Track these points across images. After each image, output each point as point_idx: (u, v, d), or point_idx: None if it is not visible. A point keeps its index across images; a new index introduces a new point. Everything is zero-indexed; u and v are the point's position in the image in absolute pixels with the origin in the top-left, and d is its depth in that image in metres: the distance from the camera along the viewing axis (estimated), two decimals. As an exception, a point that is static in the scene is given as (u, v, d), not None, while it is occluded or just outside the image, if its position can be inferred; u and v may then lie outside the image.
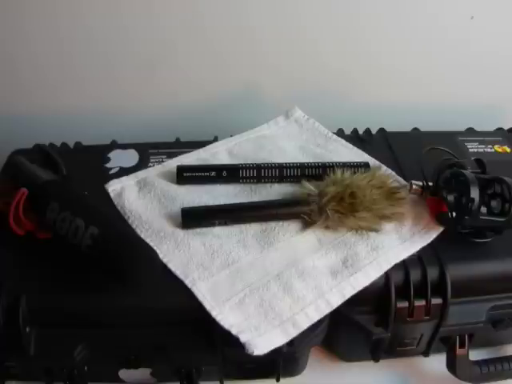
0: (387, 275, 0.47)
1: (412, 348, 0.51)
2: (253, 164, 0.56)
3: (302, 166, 0.56)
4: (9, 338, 0.44)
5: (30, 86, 0.69)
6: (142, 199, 0.54)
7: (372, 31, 0.68)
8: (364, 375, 0.53)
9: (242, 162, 0.57)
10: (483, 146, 0.64)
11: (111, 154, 0.61)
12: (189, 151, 0.60)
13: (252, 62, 0.70)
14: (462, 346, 0.49)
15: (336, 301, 0.45)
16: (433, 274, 0.47)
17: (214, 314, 0.43)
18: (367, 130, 0.66)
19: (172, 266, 0.47)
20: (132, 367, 0.47)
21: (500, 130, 0.69)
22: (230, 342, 0.42)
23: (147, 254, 0.45)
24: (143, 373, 0.49)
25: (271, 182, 0.56)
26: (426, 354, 0.53)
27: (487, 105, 0.76)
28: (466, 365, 0.50)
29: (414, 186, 0.52)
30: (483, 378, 0.50)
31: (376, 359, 0.51)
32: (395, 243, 0.49)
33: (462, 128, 0.69)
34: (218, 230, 0.50)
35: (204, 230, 0.50)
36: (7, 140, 0.60)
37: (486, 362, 0.50)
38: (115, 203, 0.54)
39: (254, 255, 0.48)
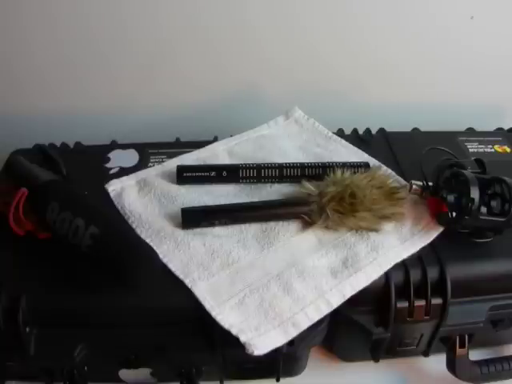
0: (387, 275, 0.47)
1: (412, 348, 0.52)
2: (253, 164, 0.56)
3: (302, 166, 0.56)
4: (9, 338, 0.44)
5: (30, 86, 0.69)
6: (142, 199, 0.54)
7: (372, 31, 0.68)
8: (364, 375, 0.53)
9: (242, 162, 0.57)
10: (483, 146, 0.64)
11: (111, 154, 0.61)
12: (189, 151, 0.60)
13: (252, 61, 0.70)
14: (462, 346, 0.49)
15: (336, 301, 0.45)
16: (433, 274, 0.47)
17: (213, 313, 0.43)
18: (367, 130, 0.65)
19: (172, 266, 0.47)
20: (132, 367, 0.47)
21: (500, 130, 0.69)
22: (230, 342, 0.42)
23: (147, 254, 0.45)
24: (143, 373, 0.49)
25: (271, 181, 0.56)
26: (426, 354, 0.53)
27: (487, 105, 0.76)
28: (466, 365, 0.50)
29: (414, 186, 0.52)
30: (483, 378, 0.50)
31: (376, 359, 0.51)
32: (395, 243, 0.49)
33: (462, 128, 0.69)
34: (218, 230, 0.50)
35: (204, 230, 0.50)
36: (7, 140, 0.60)
37: (486, 361, 0.50)
38: (115, 203, 0.54)
39: (254, 255, 0.48)
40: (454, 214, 0.48)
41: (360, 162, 0.57)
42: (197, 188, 0.56)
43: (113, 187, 0.55)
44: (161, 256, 0.47)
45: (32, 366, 0.47)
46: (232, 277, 0.46)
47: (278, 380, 0.49)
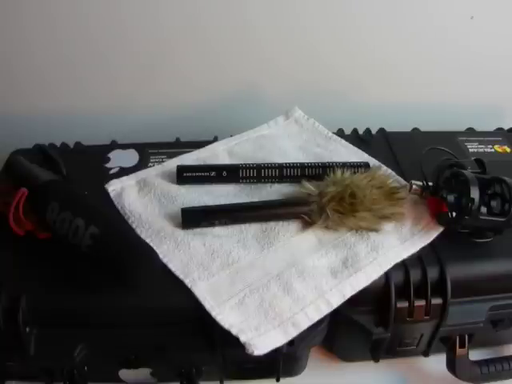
0: (387, 275, 0.47)
1: (412, 348, 0.52)
2: (253, 164, 0.56)
3: (302, 166, 0.56)
4: (9, 338, 0.44)
5: (30, 86, 0.69)
6: (142, 199, 0.54)
7: (372, 31, 0.68)
8: (364, 375, 0.53)
9: (242, 162, 0.57)
10: (483, 146, 0.64)
11: (111, 154, 0.61)
12: (189, 151, 0.60)
13: (252, 61, 0.70)
14: (462, 346, 0.49)
15: (336, 301, 0.45)
16: (433, 274, 0.47)
17: (213, 313, 0.43)
18: (367, 130, 0.65)
19: (172, 266, 0.47)
20: (132, 367, 0.47)
21: (500, 130, 0.69)
22: (230, 342, 0.42)
23: (147, 254, 0.45)
24: (143, 373, 0.49)
25: (271, 181, 0.56)
26: (426, 354, 0.53)
27: (487, 105, 0.76)
28: (466, 365, 0.50)
29: (414, 186, 0.52)
30: (483, 378, 0.50)
31: (376, 359, 0.51)
32: (395, 243, 0.49)
33: (462, 128, 0.69)
34: (218, 230, 0.50)
35: (204, 229, 0.50)
36: (7, 140, 0.60)
37: (486, 361, 0.50)
38: (115, 203, 0.54)
39: (254, 255, 0.48)
40: (454, 213, 0.48)
41: (360, 162, 0.57)
42: (197, 188, 0.56)
43: (113, 187, 0.55)
44: (161, 256, 0.47)
45: (32, 366, 0.47)
46: (232, 277, 0.46)
47: (278, 380, 0.49)
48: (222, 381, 0.51)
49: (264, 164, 0.56)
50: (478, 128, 0.68)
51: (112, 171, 0.58)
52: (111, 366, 0.48)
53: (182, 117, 0.72)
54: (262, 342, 0.41)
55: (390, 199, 0.51)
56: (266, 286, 0.45)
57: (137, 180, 0.57)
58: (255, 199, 0.54)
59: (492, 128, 0.69)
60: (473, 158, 0.54)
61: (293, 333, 0.43)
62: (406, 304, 0.47)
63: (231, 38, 0.67)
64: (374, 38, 0.69)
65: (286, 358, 0.46)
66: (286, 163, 0.57)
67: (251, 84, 0.72)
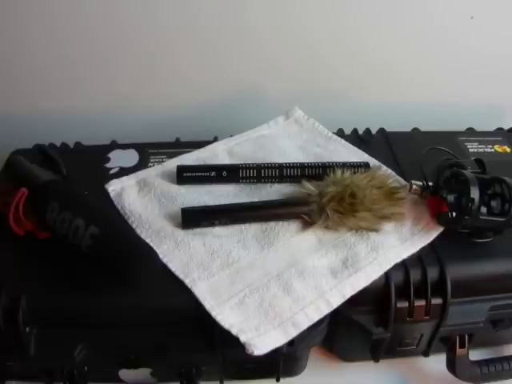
0: (387, 275, 0.47)
1: (412, 348, 0.52)
2: (253, 164, 0.56)
3: (302, 166, 0.56)
4: (9, 338, 0.44)
5: (30, 86, 0.69)
6: (142, 199, 0.54)
7: (372, 31, 0.68)
8: (364, 375, 0.53)
9: (242, 162, 0.57)
10: (483, 146, 0.64)
11: (111, 154, 0.61)
12: (189, 151, 0.60)
13: (252, 61, 0.70)
14: (462, 346, 0.49)
15: (336, 301, 0.45)
16: (433, 274, 0.47)
17: (213, 313, 0.43)
18: (367, 130, 0.65)
19: (172, 266, 0.47)
20: (132, 367, 0.47)
21: (500, 130, 0.69)
22: (230, 342, 0.42)
23: (147, 254, 0.45)
24: (143, 373, 0.49)
25: (271, 181, 0.56)
26: (426, 354, 0.53)
27: (487, 105, 0.76)
28: (466, 365, 0.50)
29: (414, 186, 0.52)
30: (483, 378, 0.50)
31: (376, 359, 0.51)
32: (395, 243, 0.49)
33: (462, 128, 0.69)
34: (218, 230, 0.50)
35: (204, 229, 0.50)
36: (7, 140, 0.61)
37: (486, 361, 0.50)
38: (115, 203, 0.54)
39: (254, 255, 0.48)
40: (454, 213, 0.48)
41: (360, 162, 0.57)
42: (197, 188, 0.56)
43: (113, 187, 0.55)
44: (161, 256, 0.47)
45: (32, 366, 0.47)
46: (232, 277, 0.46)
47: (277, 380, 0.49)
48: (222, 381, 0.51)
49: (264, 164, 0.56)
50: (478, 128, 0.68)
51: (112, 171, 0.58)
52: (111, 365, 0.48)
53: (182, 117, 0.72)
54: (262, 342, 0.41)
55: (390, 199, 0.51)
56: (266, 286, 0.45)
57: (137, 180, 0.57)
58: (255, 199, 0.54)
59: (492, 128, 0.69)
60: (473, 158, 0.54)
61: (293, 333, 0.43)
62: (406, 304, 0.47)
63: (231, 37, 0.67)
64: (374, 38, 0.69)
65: (286, 358, 0.46)
66: (285, 163, 0.57)
67: (251, 84, 0.72)
